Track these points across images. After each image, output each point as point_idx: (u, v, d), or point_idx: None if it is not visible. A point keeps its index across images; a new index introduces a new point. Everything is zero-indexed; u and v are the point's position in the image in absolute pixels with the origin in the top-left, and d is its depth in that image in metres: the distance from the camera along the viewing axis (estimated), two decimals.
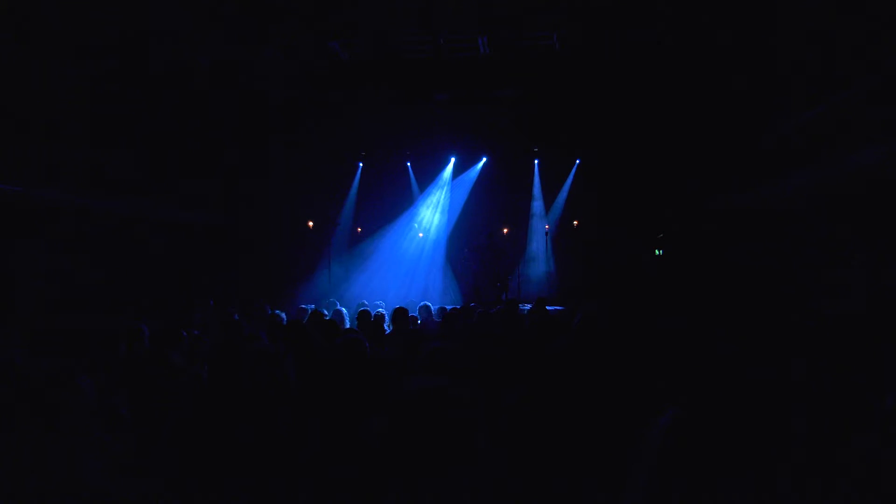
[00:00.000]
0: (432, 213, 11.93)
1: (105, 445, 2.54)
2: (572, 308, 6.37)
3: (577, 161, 11.25)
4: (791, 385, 2.60)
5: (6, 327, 5.33)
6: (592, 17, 6.70)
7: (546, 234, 10.89)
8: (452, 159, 11.78)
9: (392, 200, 11.87)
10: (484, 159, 11.71)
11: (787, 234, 6.85)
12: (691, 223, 9.06)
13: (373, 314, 5.88)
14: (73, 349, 4.05)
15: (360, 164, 11.94)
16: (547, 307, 6.81)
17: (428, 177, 12.05)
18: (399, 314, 5.32)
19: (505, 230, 11.18)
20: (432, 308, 6.80)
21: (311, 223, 11.10)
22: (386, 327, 5.79)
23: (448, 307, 6.93)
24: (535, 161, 11.52)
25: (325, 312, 6.10)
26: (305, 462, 2.75)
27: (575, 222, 10.93)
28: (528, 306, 7.28)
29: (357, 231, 11.81)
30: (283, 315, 5.81)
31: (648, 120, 8.89)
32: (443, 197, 11.92)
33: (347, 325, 5.97)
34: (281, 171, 10.63)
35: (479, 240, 10.43)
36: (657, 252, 10.12)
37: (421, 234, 11.83)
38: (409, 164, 11.99)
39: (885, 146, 5.00)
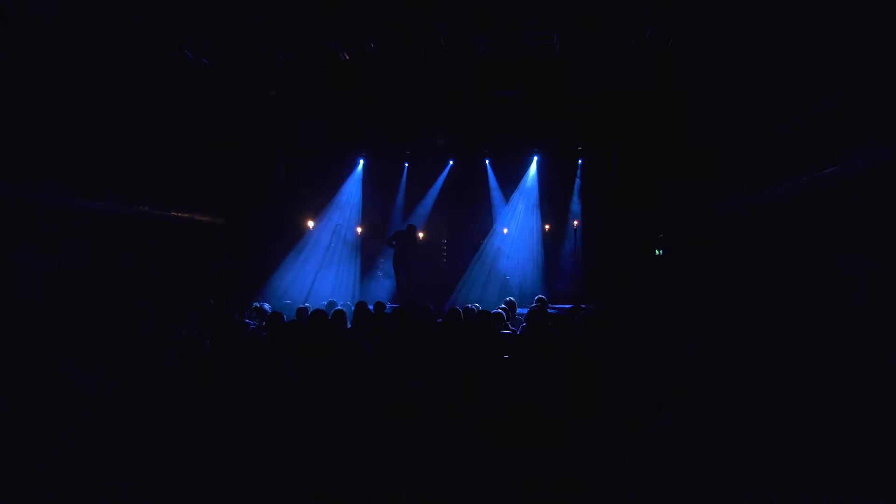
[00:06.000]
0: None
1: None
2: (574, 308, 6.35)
3: (580, 161, 11.26)
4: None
5: None
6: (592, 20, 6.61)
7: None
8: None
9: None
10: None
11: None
12: (692, 223, 9.01)
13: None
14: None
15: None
16: (549, 307, 6.80)
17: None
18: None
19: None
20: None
21: (310, 223, 11.09)
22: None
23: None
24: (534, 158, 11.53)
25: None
26: (304, 460, 2.74)
27: (575, 222, 10.90)
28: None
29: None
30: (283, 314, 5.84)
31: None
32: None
33: (349, 326, 5.94)
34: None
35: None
36: (657, 252, 10.09)
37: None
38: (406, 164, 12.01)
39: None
